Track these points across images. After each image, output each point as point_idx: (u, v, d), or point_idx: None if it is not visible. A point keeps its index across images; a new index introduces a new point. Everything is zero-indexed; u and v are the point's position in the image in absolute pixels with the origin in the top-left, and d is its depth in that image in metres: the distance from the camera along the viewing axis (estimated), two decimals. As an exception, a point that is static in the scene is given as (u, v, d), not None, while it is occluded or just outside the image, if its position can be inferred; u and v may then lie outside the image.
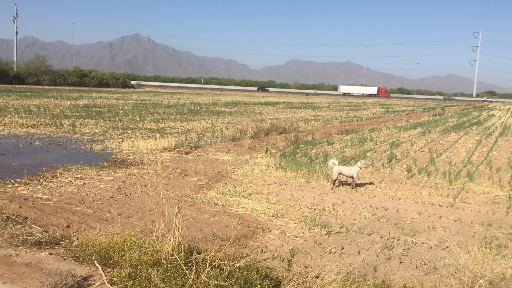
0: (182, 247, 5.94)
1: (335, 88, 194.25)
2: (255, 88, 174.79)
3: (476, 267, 5.80)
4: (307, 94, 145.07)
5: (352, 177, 12.52)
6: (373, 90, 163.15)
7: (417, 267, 7.16)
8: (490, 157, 20.00)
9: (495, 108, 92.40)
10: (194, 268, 5.30)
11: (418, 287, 5.57)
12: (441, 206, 11.20)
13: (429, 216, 10.24)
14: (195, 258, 5.54)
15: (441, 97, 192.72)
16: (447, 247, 8.07)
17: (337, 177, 12.59)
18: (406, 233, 8.86)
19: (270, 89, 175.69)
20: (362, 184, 13.26)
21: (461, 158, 19.46)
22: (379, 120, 42.83)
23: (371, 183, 13.54)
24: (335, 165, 12.58)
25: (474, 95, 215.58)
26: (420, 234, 8.86)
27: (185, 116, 35.96)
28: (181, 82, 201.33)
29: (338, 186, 12.83)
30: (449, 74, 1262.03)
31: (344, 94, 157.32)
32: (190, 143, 20.83)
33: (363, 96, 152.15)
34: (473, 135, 30.55)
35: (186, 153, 17.45)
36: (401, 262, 7.32)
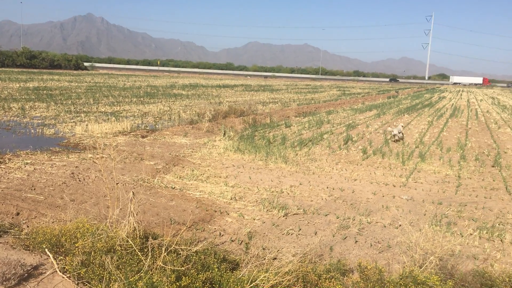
0: (138, 233, 5.83)
1: (292, 70, 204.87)
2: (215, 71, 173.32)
3: (427, 244, 6.00)
4: (265, 77, 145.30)
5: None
6: (479, 80, 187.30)
7: (371, 245, 7.34)
8: (441, 137, 20.73)
9: (446, 91, 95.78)
10: (149, 253, 5.21)
11: (372, 265, 5.71)
12: (395, 186, 11.53)
13: (383, 196, 10.51)
14: (151, 243, 5.44)
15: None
16: (400, 225, 8.32)
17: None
18: (361, 213, 9.06)
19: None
20: (319, 167, 13.45)
21: (413, 139, 20.07)
22: (336, 102, 43.47)
23: (328, 165, 13.75)
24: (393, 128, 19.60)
25: (426, 77, 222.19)
26: (375, 214, 9.09)
27: (142, 99, 35.18)
28: (137, 64, 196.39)
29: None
30: (403, 57, 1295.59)
31: (454, 83, 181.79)
32: (147, 126, 20.43)
33: (470, 85, 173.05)
34: (425, 116, 31.55)
35: (143, 137, 17.11)
36: (356, 242, 7.49)
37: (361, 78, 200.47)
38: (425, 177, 12.75)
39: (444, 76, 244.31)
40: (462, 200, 10.42)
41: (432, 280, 5.04)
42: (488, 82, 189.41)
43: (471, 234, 7.93)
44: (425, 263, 5.69)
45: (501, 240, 7.81)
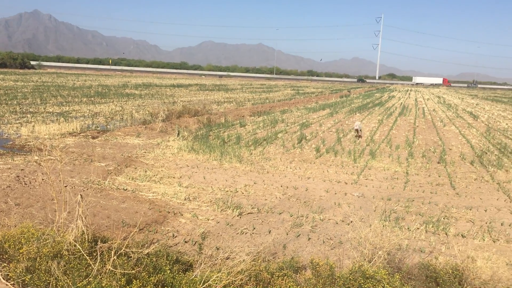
0: (86, 237, 5.66)
1: (247, 70, 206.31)
2: (169, 70, 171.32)
3: (376, 239, 6.17)
4: (220, 76, 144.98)
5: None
6: (439, 80, 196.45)
7: (323, 242, 7.48)
8: (390, 135, 21.40)
9: (395, 90, 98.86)
10: (98, 257, 5.07)
11: (324, 261, 5.81)
12: (347, 183, 11.79)
13: (336, 193, 10.73)
14: (100, 247, 5.30)
15: (348, 80, 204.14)
16: (351, 222, 8.52)
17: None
18: (314, 210, 9.21)
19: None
20: (273, 165, 13.54)
21: (364, 137, 20.61)
22: (290, 101, 43.94)
23: (282, 164, 13.87)
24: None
25: (377, 77, 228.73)
26: (327, 211, 9.26)
27: (92, 99, 34.21)
28: (87, 63, 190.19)
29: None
30: (354, 57, 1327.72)
31: (417, 84, 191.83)
32: (98, 127, 19.89)
33: (432, 85, 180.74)
34: (375, 115, 32.45)
35: (93, 138, 16.64)
36: (309, 239, 7.60)
37: (314, 77, 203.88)
38: (375, 174, 13.11)
39: (393, 76, 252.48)
40: (410, 195, 10.80)
41: (380, 274, 5.19)
42: (448, 83, 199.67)
43: (418, 228, 8.24)
44: (374, 257, 5.85)
45: (446, 233, 8.16)
